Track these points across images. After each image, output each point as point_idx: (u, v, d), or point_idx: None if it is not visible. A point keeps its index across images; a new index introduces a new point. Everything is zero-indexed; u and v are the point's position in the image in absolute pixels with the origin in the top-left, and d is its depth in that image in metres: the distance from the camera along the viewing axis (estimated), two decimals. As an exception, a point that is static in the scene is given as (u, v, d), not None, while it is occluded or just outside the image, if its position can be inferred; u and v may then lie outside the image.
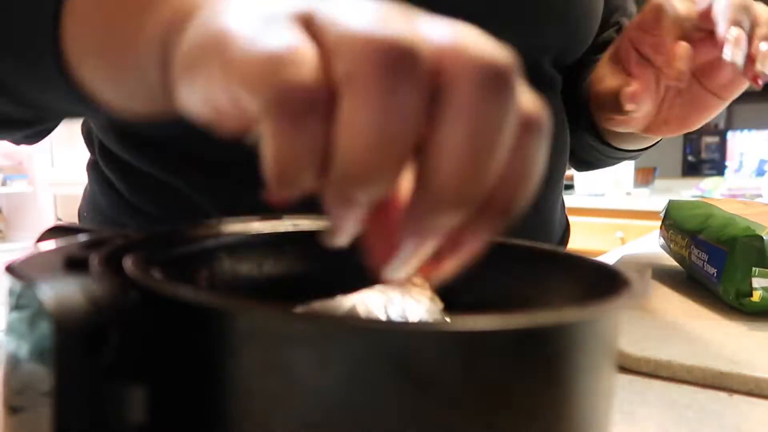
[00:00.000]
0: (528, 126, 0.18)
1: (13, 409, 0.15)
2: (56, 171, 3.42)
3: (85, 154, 0.55)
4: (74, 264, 0.17)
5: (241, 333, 0.14)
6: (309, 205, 0.51)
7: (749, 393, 0.34)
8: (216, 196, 0.46)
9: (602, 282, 0.20)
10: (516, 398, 0.14)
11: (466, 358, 0.13)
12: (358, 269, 0.27)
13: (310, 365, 0.13)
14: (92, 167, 0.54)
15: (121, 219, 0.51)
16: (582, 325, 0.15)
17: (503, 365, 0.14)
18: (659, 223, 0.63)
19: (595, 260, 0.22)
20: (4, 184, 3.26)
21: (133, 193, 0.50)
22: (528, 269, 0.25)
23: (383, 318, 0.22)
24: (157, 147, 0.47)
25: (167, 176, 0.47)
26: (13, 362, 0.15)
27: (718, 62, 0.43)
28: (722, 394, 0.34)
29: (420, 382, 0.13)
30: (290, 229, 0.26)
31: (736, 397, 0.33)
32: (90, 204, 0.55)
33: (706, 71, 0.45)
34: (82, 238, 0.20)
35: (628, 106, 0.45)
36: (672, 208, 0.61)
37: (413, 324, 0.13)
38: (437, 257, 0.19)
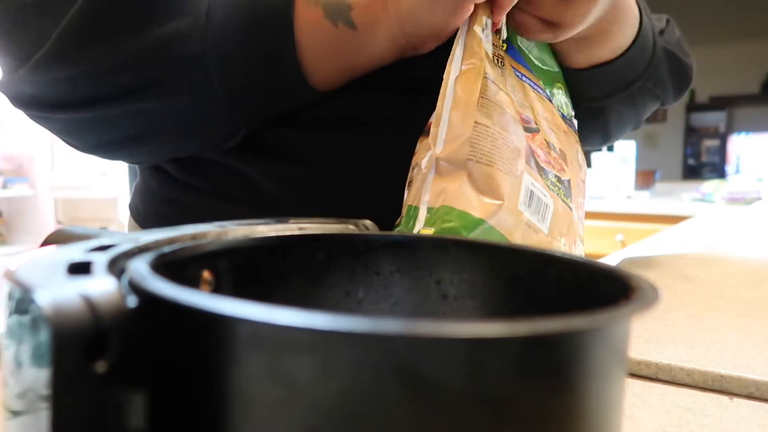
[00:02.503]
0: None
1: (13, 413, 0.15)
2: (57, 174, 3.42)
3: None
4: (75, 268, 0.16)
5: (242, 339, 0.14)
6: (313, 209, 0.52)
7: (750, 396, 0.34)
8: (270, 173, 0.49)
9: (612, 287, 0.20)
10: (523, 408, 0.14)
11: (471, 366, 0.13)
12: (364, 272, 0.27)
13: (311, 372, 0.13)
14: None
15: (173, 195, 0.53)
16: (592, 332, 0.15)
17: (509, 373, 0.13)
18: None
19: (605, 264, 0.22)
20: (4, 187, 3.26)
21: (188, 174, 0.51)
22: (536, 274, 0.24)
23: None
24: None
25: (223, 158, 0.49)
26: (14, 366, 0.15)
27: None
28: (723, 398, 0.34)
29: (422, 389, 0.13)
30: (296, 232, 0.26)
31: (737, 400, 0.33)
32: (141, 191, 0.57)
33: None
34: (85, 242, 0.20)
35: None
36: None
37: (416, 329, 0.12)
38: None
